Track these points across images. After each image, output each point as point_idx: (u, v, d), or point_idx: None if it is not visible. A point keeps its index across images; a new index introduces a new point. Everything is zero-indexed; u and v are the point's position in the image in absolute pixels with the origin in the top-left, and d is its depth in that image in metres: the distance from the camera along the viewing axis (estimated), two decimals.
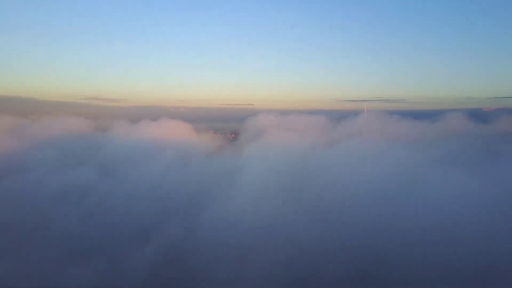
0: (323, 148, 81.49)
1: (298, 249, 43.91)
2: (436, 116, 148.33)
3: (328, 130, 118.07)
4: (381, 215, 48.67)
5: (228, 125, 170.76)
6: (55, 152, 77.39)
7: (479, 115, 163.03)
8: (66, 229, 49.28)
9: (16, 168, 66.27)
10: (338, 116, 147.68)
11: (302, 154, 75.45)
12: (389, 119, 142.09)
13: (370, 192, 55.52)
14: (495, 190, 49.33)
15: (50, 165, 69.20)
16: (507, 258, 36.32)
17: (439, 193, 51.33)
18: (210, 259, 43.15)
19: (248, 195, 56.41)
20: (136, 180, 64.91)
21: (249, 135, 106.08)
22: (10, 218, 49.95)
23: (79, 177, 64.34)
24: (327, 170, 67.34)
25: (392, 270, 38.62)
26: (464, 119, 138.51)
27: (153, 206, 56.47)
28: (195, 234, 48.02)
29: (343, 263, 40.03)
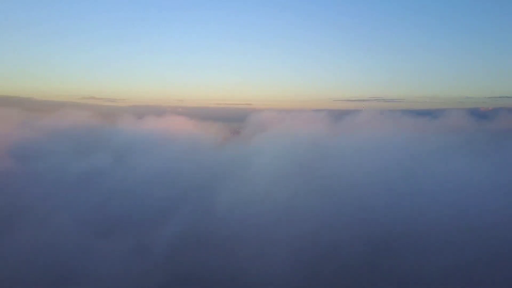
0: (328, 140, 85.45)
1: (308, 231, 46.47)
2: (435, 115, 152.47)
3: (330, 125, 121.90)
4: (384, 202, 51.76)
5: (227, 124, 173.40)
6: (67, 144, 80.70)
7: (477, 114, 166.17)
8: (88, 209, 52.61)
9: (32, 156, 69.83)
10: (338, 115, 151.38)
11: (308, 145, 79.26)
12: (389, 116, 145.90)
13: (375, 181, 58.85)
14: (495, 183, 52.19)
15: (64, 155, 72.91)
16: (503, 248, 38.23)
17: (440, 184, 54.82)
18: (229, 238, 45.70)
19: (259, 180, 60.05)
20: (149, 168, 68.52)
21: (253, 129, 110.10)
22: (33, 199, 53.31)
23: (95, 165, 68.13)
24: (333, 160, 71.02)
25: (399, 248, 41.32)
26: (463, 117, 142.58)
27: (168, 190, 59.99)
28: (212, 215, 51.29)
29: (351, 248, 42.29)
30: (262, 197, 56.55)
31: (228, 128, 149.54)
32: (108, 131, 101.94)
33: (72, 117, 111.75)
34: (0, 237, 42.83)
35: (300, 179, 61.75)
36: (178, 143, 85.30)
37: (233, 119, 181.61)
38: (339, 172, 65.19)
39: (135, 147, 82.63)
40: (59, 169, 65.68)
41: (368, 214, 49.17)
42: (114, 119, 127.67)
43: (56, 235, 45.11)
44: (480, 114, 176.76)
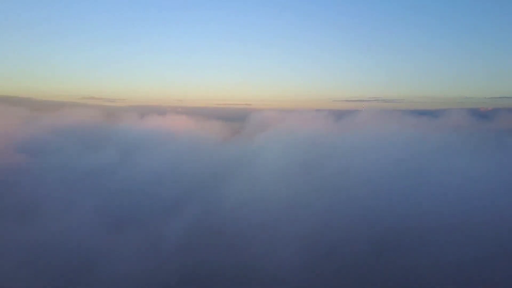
0: (329, 139, 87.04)
1: (311, 228, 47.50)
2: (435, 115, 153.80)
3: (331, 124, 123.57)
4: (386, 200, 52.71)
5: (227, 124, 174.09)
6: (70, 143, 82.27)
7: (477, 114, 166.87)
8: (96, 206, 53.71)
9: (35, 155, 71.39)
10: (338, 115, 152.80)
11: (310, 143, 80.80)
12: (388, 116, 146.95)
13: (377, 178, 60.23)
14: (495, 181, 52.93)
15: (68, 153, 74.82)
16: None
17: (439, 182, 55.46)
18: (236, 232, 47.06)
19: (263, 178, 61.84)
20: (154, 165, 70.49)
21: (253, 129, 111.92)
22: (44, 194, 55.19)
23: (101, 163, 70.32)
24: (334, 158, 72.16)
25: (403, 238, 42.85)
26: (462, 117, 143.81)
27: (174, 187, 62.00)
28: (218, 210, 53.21)
29: (354, 246, 42.89)
30: (266, 194, 58.04)
31: (228, 127, 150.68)
32: (111, 129, 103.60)
33: (74, 116, 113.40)
34: (10, 232, 44.06)
35: (303, 177, 63.18)
36: (180, 141, 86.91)
37: (233, 119, 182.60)
38: (341, 170, 66.43)
39: (140, 145, 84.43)
40: (64, 167, 67.19)
41: (370, 211, 50.13)
42: (116, 118, 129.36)
43: (66, 231, 46.28)
44: (479, 114, 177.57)
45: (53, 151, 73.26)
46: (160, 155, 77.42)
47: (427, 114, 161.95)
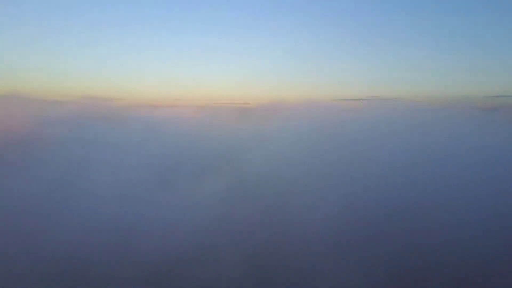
0: (330, 131, 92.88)
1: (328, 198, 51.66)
2: (434, 113, 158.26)
3: (332, 119, 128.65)
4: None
5: (227, 122, 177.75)
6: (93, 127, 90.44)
7: (475, 113, 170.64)
8: (132, 174, 61.09)
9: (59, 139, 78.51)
10: (338, 113, 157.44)
11: (313, 135, 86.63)
12: (387, 115, 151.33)
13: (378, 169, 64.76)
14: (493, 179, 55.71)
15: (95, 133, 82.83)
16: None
17: (438, 180, 58.72)
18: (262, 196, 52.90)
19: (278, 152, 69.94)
20: (173, 144, 78.81)
21: (253, 126, 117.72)
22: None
23: (125, 140, 79.04)
24: (334, 151, 76.96)
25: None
26: (461, 116, 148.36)
27: (199, 161, 70.22)
28: (244, 180, 59.73)
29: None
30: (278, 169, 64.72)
31: (229, 124, 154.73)
32: (125, 118, 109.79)
33: (82, 109, 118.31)
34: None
35: (310, 158, 69.74)
36: (190, 127, 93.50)
37: (232, 119, 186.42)
38: (340, 161, 70.44)
39: (156, 130, 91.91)
40: (94, 145, 75.44)
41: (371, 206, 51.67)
42: (125, 110, 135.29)
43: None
44: (478, 112, 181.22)
45: (81, 133, 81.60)
46: (175, 137, 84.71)
47: (426, 112, 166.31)
